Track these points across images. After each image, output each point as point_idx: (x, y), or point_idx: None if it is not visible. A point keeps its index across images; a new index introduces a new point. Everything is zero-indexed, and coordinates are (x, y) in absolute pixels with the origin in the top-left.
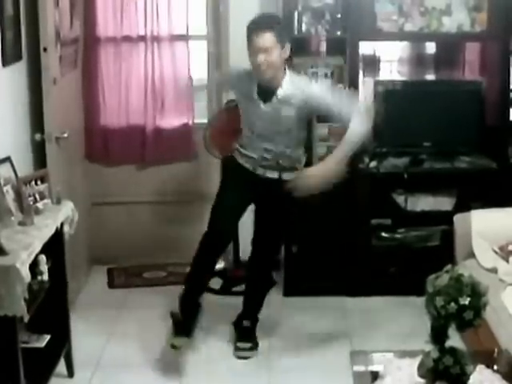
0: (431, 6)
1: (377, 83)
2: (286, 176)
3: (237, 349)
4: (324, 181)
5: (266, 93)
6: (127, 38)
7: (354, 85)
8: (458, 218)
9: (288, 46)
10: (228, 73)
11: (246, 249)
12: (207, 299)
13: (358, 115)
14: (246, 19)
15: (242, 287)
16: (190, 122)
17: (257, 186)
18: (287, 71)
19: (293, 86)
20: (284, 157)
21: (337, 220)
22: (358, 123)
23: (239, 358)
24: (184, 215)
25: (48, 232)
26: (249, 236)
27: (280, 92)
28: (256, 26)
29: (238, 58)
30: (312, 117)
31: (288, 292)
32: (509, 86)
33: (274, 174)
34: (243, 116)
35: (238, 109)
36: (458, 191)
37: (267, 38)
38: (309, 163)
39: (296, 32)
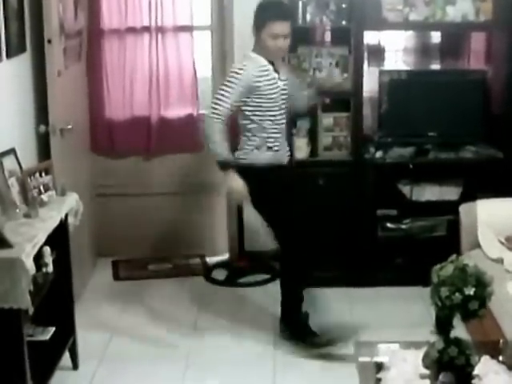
0: None
1: (382, 73)
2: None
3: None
4: None
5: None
6: (131, 30)
7: (358, 74)
8: (463, 208)
9: None
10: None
11: (250, 239)
12: (211, 290)
13: None
14: (250, 9)
15: (246, 279)
16: (195, 113)
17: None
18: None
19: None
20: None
21: (342, 210)
22: None
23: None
24: (190, 206)
25: (52, 224)
26: (253, 226)
27: (282, 75)
28: (281, 14)
29: (242, 48)
30: None
31: None
32: None
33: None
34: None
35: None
36: (464, 181)
37: (288, 26)
38: (314, 153)
39: (301, 22)
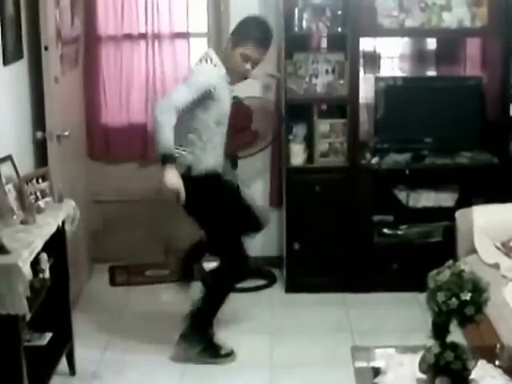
0: (431, 1)
1: (378, 79)
2: None
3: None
4: None
5: None
6: (128, 36)
7: (354, 81)
8: (459, 214)
9: None
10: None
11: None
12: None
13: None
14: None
15: (242, 284)
16: None
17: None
18: None
19: None
20: None
21: (339, 216)
22: None
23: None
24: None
25: (49, 230)
26: None
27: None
28: (265, 43)
29: None
30: None
31: (290, 288)
32: (509, 82)
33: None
34: (214, 115)
35: (239, 105)
36: (460, 187)
37: (264, 55)
38: (310, 159)
39: (297, 29)
